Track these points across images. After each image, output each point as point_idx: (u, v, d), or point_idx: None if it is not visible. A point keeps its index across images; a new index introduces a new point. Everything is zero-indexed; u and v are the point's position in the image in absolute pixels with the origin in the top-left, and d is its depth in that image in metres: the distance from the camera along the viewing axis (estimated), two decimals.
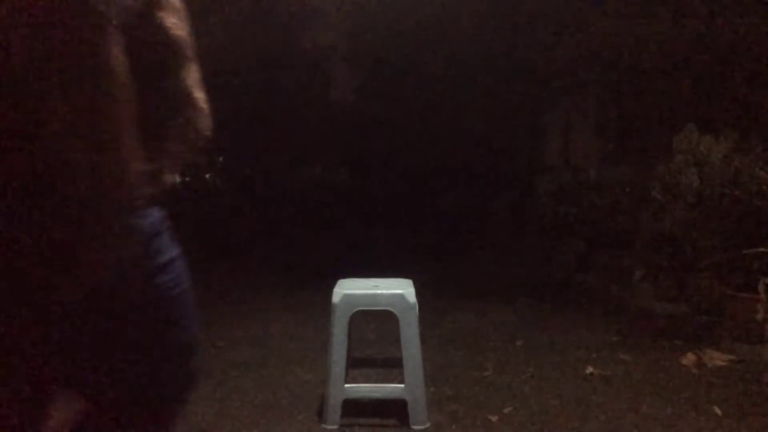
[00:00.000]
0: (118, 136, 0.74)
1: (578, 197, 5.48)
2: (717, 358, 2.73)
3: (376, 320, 3.13)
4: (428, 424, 2.10)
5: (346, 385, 2.12)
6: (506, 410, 2.21)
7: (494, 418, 2.14)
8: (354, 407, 2.14)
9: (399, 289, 2.13)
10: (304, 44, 6.73)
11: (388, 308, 2.10)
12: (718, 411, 2.17)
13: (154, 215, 0.86)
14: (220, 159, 8.08)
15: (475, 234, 6.11)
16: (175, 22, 0.85)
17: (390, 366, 2.60)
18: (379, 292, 2.11)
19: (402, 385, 2.11)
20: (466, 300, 4.00)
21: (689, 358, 2.74)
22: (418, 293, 2.14)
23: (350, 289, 2.15)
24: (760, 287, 2.97)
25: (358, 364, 2.62)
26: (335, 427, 2.08)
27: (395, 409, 2.12)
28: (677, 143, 4.05)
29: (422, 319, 2.13)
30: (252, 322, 3.48)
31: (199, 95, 0.88)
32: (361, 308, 2.11)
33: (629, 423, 2.09)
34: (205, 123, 0.89)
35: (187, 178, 7.86)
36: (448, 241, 5.93)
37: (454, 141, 6.69)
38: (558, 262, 5.17)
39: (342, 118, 6.93)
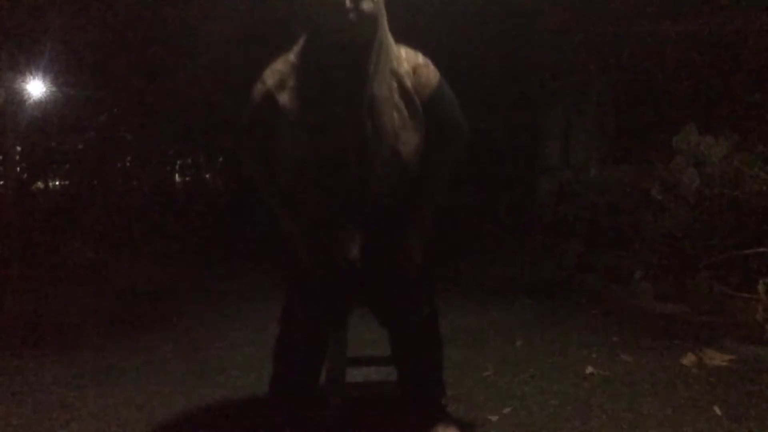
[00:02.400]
0: None
1: (578, 197, 5.48)
2: (717, 358, 2.72)
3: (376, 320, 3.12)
4: None
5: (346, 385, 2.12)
6: (506, 410, 2.21)
7: (494, 418, 2.14)
8: (354, 406, 2.14)
9: None
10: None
11: None
12: (718, 411, 2.17)
13: None
14: (220, 159, 8.08)
15: (475, 234, 6.11)
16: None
17: (390, 366, 2.59)
18: None
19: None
20: (466, 300, 4.00)
21: (689, 358, 2.73)
22: None
23: None
24: (760, 287, 2.97)
25: (358, 364, 2.61)
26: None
27: (395, 409, 2.12)
28: (677, 143, 4.05)
29: None
30: (252, 323, 3.48)
31: None
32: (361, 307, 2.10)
33: (629, 423, 2.09)
34: None
35: (187, 178, 7.87)
36: (448, 241, 5.92)
37: None
38: (558, 262, 5.17)
39: None
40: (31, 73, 4.97)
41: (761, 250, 3.19)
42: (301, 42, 1.67)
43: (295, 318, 1.79)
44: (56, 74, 5.13)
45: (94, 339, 3.13)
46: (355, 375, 2.45)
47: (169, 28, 5.47)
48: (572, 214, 5.38)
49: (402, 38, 1.72)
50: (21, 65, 4.84)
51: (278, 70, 1.66)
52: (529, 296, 4.09)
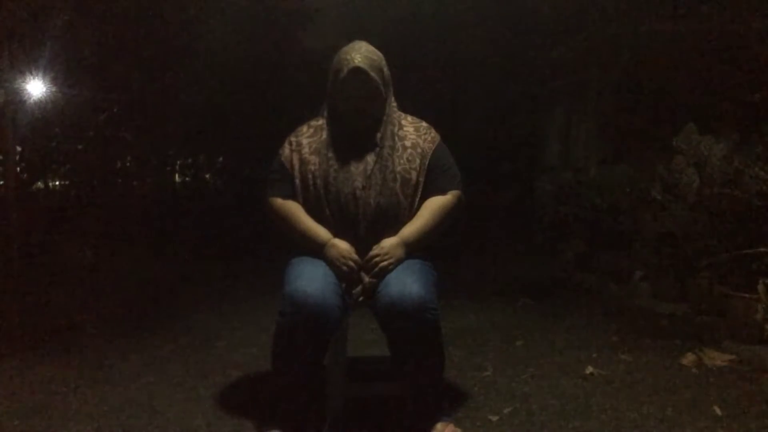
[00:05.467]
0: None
1: (578, 197, 5.48)
2: (717, 358, 2.73)
3: (376, 320, 3.12)
4: None
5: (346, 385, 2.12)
6: (506, 410, 2.21)
7: (494, 418, 2.14)
8: (354, 407, 2.15)
9: None
10: (304, 44, 6.74)
11: None
12: (718, 411, 2.18)
13: None
14: (220, 159, 8.08)
15: (475, 234, 6.11)
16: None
17: (390, 366, 2.59)
18: None
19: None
20: (466, 300, 4.00)
21: (689, 358, 2.74)
22: None
23: None
24: (760, 287, 2.97)
25: (358, 364, 2.61)
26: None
27: (395, 409, 2.12)
28: (677, 143, 4.05)
29: None
30: (251, 323, 3.48)
31: None
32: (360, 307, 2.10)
33: (629, 423, 2.09)
34: None
35: (187, 178, 7.87)
36: (448, 241, 5.92)
37: (453, 140, 6.68)
38: (558, 262, 5.17)
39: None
40: (31, 73, 4.96)
41: (761, 250, 3.19)
42: (322, 108, 2.11)
43: (293, 318, 1.80)
44: (56, 74, 5.13)
45: (94, 339, 3.13)
46: (355, 375, 2.46)
47: (169, 28, 5.47)
48: (572, 214, 5.38)
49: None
50: (21, 65, 4.83)
51: (298, 130, 2.11)
52: (529, 296, 4.09)
